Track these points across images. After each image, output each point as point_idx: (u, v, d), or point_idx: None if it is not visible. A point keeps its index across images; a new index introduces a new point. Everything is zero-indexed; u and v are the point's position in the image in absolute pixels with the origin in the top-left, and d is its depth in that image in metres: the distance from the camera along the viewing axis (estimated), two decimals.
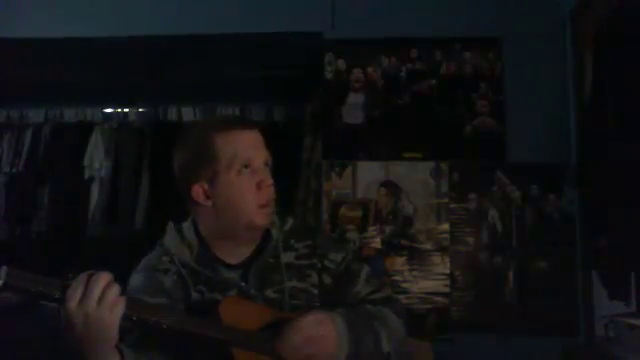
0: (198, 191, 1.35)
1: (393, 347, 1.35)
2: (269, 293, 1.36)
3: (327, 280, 1.42)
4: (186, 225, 1.41)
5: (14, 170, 4.02)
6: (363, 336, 1.30)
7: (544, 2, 3.06)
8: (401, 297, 2.93)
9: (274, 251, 1.39)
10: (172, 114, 4.12)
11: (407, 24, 3.11)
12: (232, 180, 1.33)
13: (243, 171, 1.33)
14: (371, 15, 3.14)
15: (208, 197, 1.35)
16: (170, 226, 1.42)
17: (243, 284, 1.35)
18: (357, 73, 3.14)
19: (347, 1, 3.16)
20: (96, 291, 1.05)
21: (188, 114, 4.09)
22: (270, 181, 1.35)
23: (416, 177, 3.07)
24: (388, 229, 3.06)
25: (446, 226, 3.03)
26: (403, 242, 3.04)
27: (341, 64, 3.16)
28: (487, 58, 3.10)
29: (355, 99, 3.14)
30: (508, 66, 3.08)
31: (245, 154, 1.33)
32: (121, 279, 1.19)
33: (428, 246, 3.03)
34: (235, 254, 1.38)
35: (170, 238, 1.39)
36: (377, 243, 3.05)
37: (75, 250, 3.78)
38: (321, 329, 1.24)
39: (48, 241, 3.88)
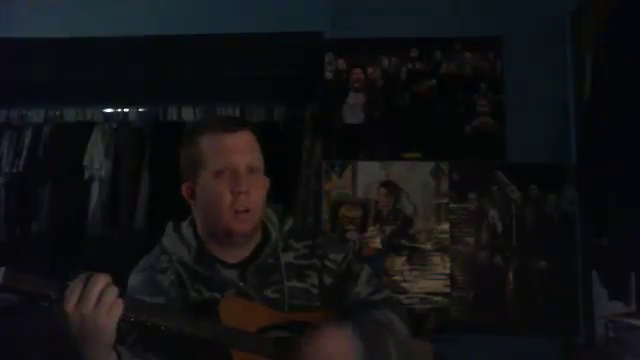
0: (186, 190, 1.37)
1: (399, 354, 1.35)
2: (268, 293, 1.36)
3: (327, 280, 1.42)
4: (185, 224, 1.41)
5: (14, 170, 4.02)
6: (374, 347, 1.30)
7: (544, 2, 3.06)
8: (401, 297, 2.94)
9: (273, 251, 1.39)
10: (172, 114, 4.12)
11: (407, 24, 3.11)
12: (208, 183, 1.32)
13: (220, 175, 1.31)
14: (371, 15, 3.14)
15: (193, 197, 1.36)
16: (169, 226, 1.42)
17: (241, 284, 1.35)
18: (357, 73, 3.15)
19: (347, 1, 3.16)
20: (94, 293, 1.05)
21: (188, 114, 4.09)
22: (246, 187, 1.30)
23: (416, 177, 3.07)
24: (388, 229, 3.06)
25: (446, 226, 3.03)
26: (403, 242, 3.04)
27: (341, 64, 3.16)
28: (487, 58, 3.10)
29: (355, 99, 3.14)
30: (508, 66, 3.08)
31: (223, 158, 1.31)
32: (121, 279, 1.19)
33: (428, 246, 3.03)
34: (234, 253, 1.38)
35: (169, 238, 1.39)
36: (377, 243, 3.05)
37: (75, 250, 3.78)
38: (338, 347, 1.24)
39: (48, 241, 3.88)
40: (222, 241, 1.35)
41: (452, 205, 3.05)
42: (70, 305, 1.04)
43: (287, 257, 1.40)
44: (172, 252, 1.36)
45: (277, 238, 1.41)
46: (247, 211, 1.31)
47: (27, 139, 4.06)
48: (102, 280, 1.07)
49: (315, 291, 1.40)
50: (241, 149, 1.33)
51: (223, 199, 1.30)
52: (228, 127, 1.35)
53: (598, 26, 2.55)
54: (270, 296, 1.35)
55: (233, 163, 1.31)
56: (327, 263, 1.43)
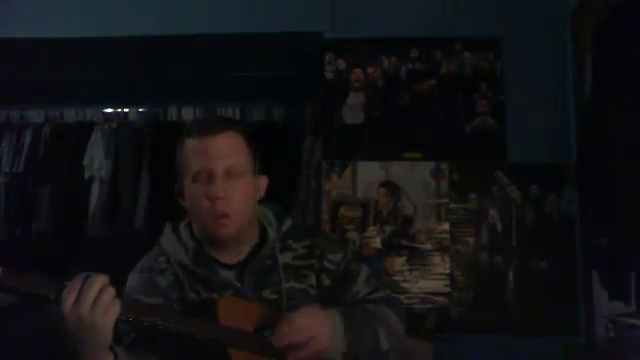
0: (177, 191, 1.37)
1: (392, 345, 1.35)
2: (266, 294, 1.35)
3: (326, 281, 1.42)
4: (182, 225, 1.41)
5: (14, 170, 4.02)
6: (361, 332, 1.30)
7: (544, 2, 3.06)
8: (401, 297, 2.93)
9: (271, 252, 1.39)
10: (172, 114, 4.12)
11: (407, 24, 3.11)
12: (189, 187, 1.32)
13: (197, 180, 1.30)
14: (371, 15, 3.13)
15: (183, 199, 1.36)
16: (167, 226, 1.42)
17: (238, 285, 1.34)
18: (357, 73, 3.14)
19: (347, 1, 3.15)
20: (91, 294, 1.05)
21: (188, 114, 4.09)
22: (222, 193, 1.27)
23: (416, 177, 3.07)
24: (388, 229, 3.06)
25: (446, 226, 3.03)
26: (403, 242, 3.04)
27: (341, 64, 3.15)
28: (487, 58, 3.10)
29: (355, 99, 3.13)
30: (508, 66, 3.08)
31: (199, 162, 1.30)
32: (120, 279, 1.19)
33: (428, 246, 3.03)
34: (231, 254, 1.37)
35: (167, 238, 1.39)
36: (377, 243, 3.05)
37: (75, 250, 3.78)
38: (313, 320, 1.25)
39: (48, 241, 3.88)
40: (214, 243, 1.35)
41: (452, 205, 3.05)
42: (67, 305, 1.04)
43: (285, 258, 1.40)
44: (170, 253, 1.36)
45: (274, 239, 1.40)
46: (227, 216, 1.29)
47: (27, 139, 4.06)
48: (100, 280, 1.06)
49: (313, 292, 1.40)
50: (219, 153, 1.30)
51: (201, 204, 1.30)
52: (208, 130, 1.32)
53: (598, 26, 2.55)
54: (268, 297, 1.35)
55: (208, 167, 1.29)
56: (325, 264, 1.42)
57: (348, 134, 3.12)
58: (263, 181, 1.40)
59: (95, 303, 1.05)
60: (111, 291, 1.07)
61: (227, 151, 1.31)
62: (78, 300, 1.04)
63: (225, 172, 1.30)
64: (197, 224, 1.36)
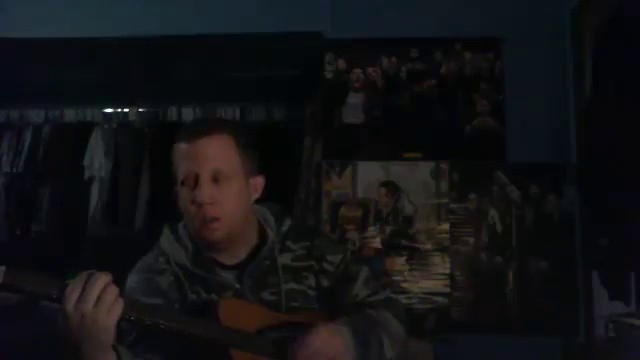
0: (175, 194, 1.35)
1: (395, 352, 1.35)
2: (265, 295, 1.35)
3: (325, 282, 1.41)
4: (181, 226, 1.39)
5: (14, 170, 4.01)
6: (368, 346, 1.30)
7: (544, 2, 3.06)
8: (401, 297, 2.93)
9: (270, 253, 1.38)
10: (172, 114, 4.10)
11: (407, 24, 3.11)
12: (179, 191, 1.31)
13: (185, 185, 1.29)
14: (371, 15, 3.14)
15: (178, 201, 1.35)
16: (166, 227, 1.41)
17: (238, 286, 1.34)
18: (357, 73, 3.15)
19: (347, 1, 3.16)
20: (94, 292, 1.04)
21: (188, 114, 4.07)
22: (209, 199, 1.26)
23: (416, 177, 3.07)
24: (388, 229, 3.06)
25: (446, 226, 3.03)
26: (403, 242, 3.04)
27: (341, 64, 3.16)
28: (487, 58, 3.11)
29: (355, 99, 3.14)
30: (508, 66, 3.09)
31: (185, 167, 1.29)
32: (121, 279, 1.19)
33: (428, 246, 3.03)
34: (231, 255, 1.37)
35: (166, 239, 1.38)
36: (377, 243, 3.05)
37: (75, 250, 3.77)
38: (329, 343, 1.23)
39: (48, 241, 3.87)
40: (207, 246, 1.34)
41: (452, 205, 3.05)
42: (70, 303, 1.04)
43: (284, 259, 1.39)
44: (170, 253, 1.36)
45: (274, 240, 1.39)
46: (217, 220, 1.28)
47: (27, 139, 4.05)
48: (103, 279, 1.06)
49: (312, 293, 1.40)
50: (206, 156, 1.28)
51: (189, 209, 1.29)
52: (196, 133, 1.31)
53: (598, 26, 2.55)
54: (267, 298, 1.35)
55: (193, 173, 1.28)
56: (325, 265, 1.42)
57: (348, 134, 3.13)
58: (259, 181, 1.39)
59: (98, 302, 1.04)
60: (114, 290, 1.06)
61: (214, 154, 1.29)
62: (81, 298, 1.04)
63: (212, 175, 1.28)
64: (190, 227, 1.35)
